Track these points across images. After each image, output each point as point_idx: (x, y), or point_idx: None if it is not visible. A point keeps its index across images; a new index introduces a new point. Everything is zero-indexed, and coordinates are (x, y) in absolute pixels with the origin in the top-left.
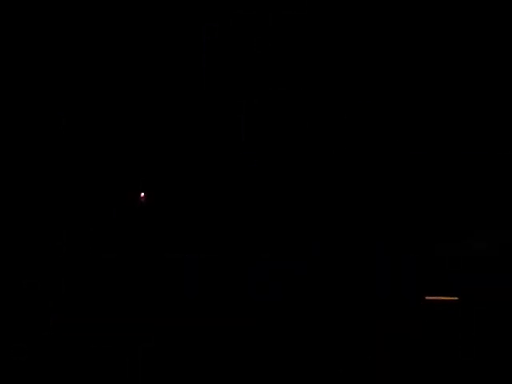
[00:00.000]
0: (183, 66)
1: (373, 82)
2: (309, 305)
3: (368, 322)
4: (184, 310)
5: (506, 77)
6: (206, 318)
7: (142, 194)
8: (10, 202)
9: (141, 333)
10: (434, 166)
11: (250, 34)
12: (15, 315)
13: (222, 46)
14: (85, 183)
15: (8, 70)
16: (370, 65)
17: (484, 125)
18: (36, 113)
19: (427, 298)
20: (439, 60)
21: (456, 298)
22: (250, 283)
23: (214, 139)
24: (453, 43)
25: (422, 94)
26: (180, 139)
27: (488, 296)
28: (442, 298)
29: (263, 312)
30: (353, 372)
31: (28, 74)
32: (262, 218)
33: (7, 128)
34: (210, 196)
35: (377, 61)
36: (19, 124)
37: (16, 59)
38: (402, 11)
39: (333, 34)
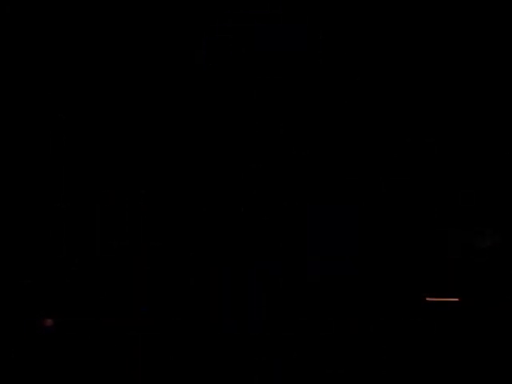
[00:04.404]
0: (182, 66)
1: (373, 84)
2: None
3: (366, 321)
4: None
5: (506, 77)
6: None
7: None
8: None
9: None
10: (432, 164)
11: (250, 35)
12: (15, 315)
13: (222, 46)
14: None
15: (8, 69)
16: (370, 66)
17: (483, 124)
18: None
19: (428, 298)
20: (439, 62)
21: (457, 300)
22: None
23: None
24: (452, 45)
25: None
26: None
27: (489, 296)
28: (443, 299)
29: None
30: (352, 372)
31: (28, 74)
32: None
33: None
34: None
35: (376, 62)
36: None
37: (16, 59)
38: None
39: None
